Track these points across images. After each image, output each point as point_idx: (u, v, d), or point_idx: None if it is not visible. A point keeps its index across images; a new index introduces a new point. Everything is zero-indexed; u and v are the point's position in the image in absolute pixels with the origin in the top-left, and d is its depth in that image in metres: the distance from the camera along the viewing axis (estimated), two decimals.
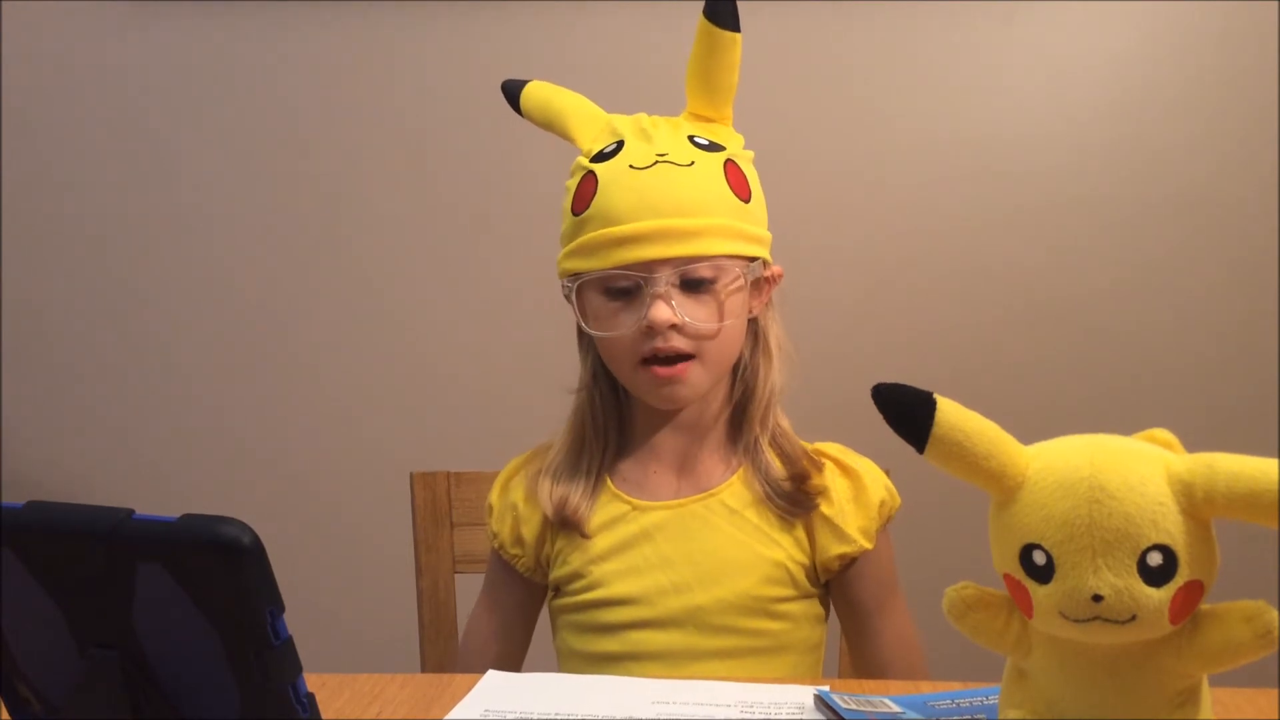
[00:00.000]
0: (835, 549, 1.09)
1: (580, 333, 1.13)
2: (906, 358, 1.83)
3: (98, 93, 1.90)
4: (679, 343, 1.04)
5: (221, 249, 1.91)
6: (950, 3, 1.79)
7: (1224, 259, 1.82)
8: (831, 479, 1.11)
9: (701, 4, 1.06)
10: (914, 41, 1.81)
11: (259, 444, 1.93)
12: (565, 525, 1.11)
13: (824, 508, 1.09)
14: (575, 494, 1.11)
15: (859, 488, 1.11)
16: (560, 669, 1.14)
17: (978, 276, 1.83)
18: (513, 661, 1.17)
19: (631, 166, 1.04)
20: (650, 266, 1.03)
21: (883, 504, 1.11)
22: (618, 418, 1.14)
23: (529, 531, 1.13)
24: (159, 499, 1.91)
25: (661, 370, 1.05)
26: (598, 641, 1.10)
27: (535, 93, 1.13)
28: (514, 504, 1.15)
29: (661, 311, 1.03)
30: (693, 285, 1.05)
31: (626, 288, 1.05)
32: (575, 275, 1.07)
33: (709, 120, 1.09)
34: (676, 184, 1.04)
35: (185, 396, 1.93)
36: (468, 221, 1.88)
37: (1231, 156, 1.80)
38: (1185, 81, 1.80)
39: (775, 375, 1.12)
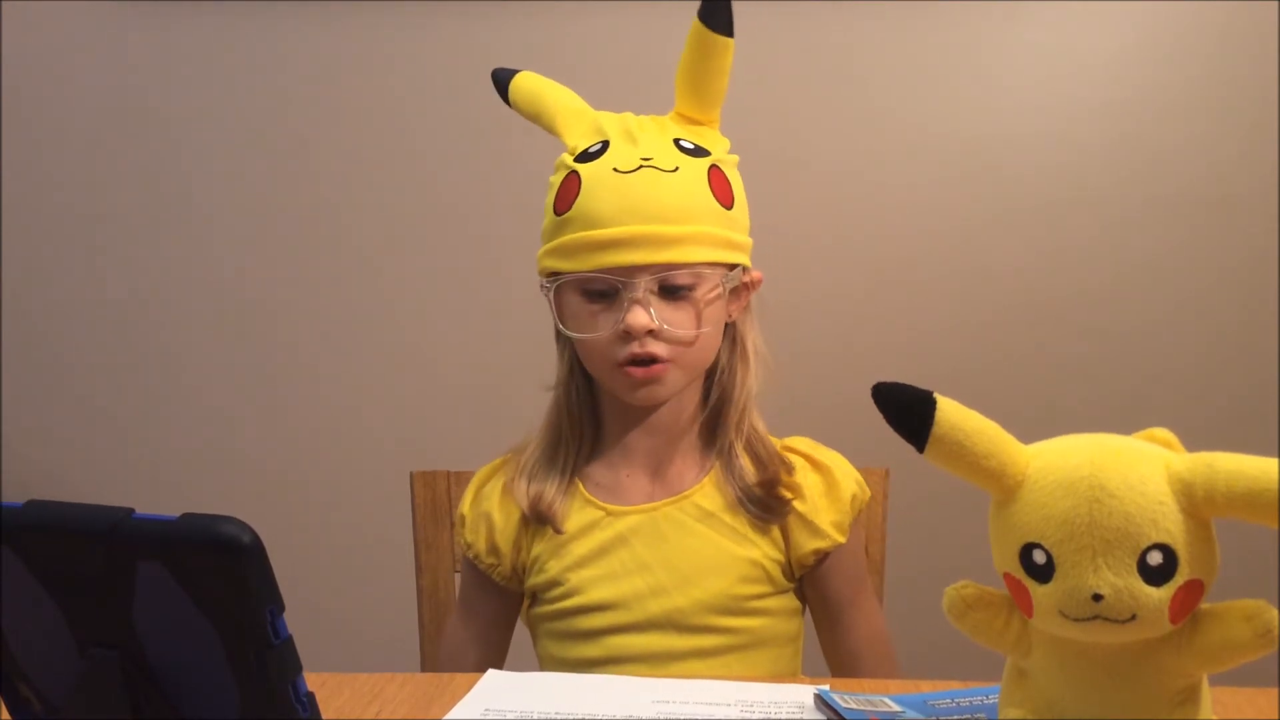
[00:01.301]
0: (810, 545, 1.10)
1: (558, 330, 1.13)
2: (906, 357, 1.83)
3: (97, 92, 1.90)
4: (655, 348, 1.04)
5: (220, 248, 1.91)
6: (950, 3, 1.79)
7: (1224, 258, 1.82)
8: (803, 475, 1.11)
9: (697, 5, 1.06)
10: (913, 41, 1.81)
11: (259, 443, 1.93)
12: (540, 520, 1.11)
13: (797, 504, 1.10)
14: (550, 490, 1.11)
15: (830, 482, 1.11)
16: None
17: (978, 276, 1.83)
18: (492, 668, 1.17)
19: (615, 170, 1.04)
20: (630, 271, 1.03)
21: (854, 497, 1.12)
22: (593, 416, 1.14)
23: (504, 540, 1.13)
24: (159, 499, 1.91)
25: (637, 371, 1.05)
26: (578, 648, 1.10)
27: (524, 84, 1.13)
28: (487, 513, 1.14)
29: (639, 317, 1.03)
30: (671, 291, 1.05)
31: (605, 291, 1.05)
32: (554, 275, 1.07)
33: (696, 123, 1.09)
34: (660, 189, 1.04)
35: (185, 396, 1.93)
36: (467, 221, 1.88)
37: (1232, 156, 1.80)
38: (1185, 81, 1.80)
39: (752, 380, 1.13)
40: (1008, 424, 0.67)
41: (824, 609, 1.15)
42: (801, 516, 1.10)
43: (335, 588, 1.89)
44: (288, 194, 1.90)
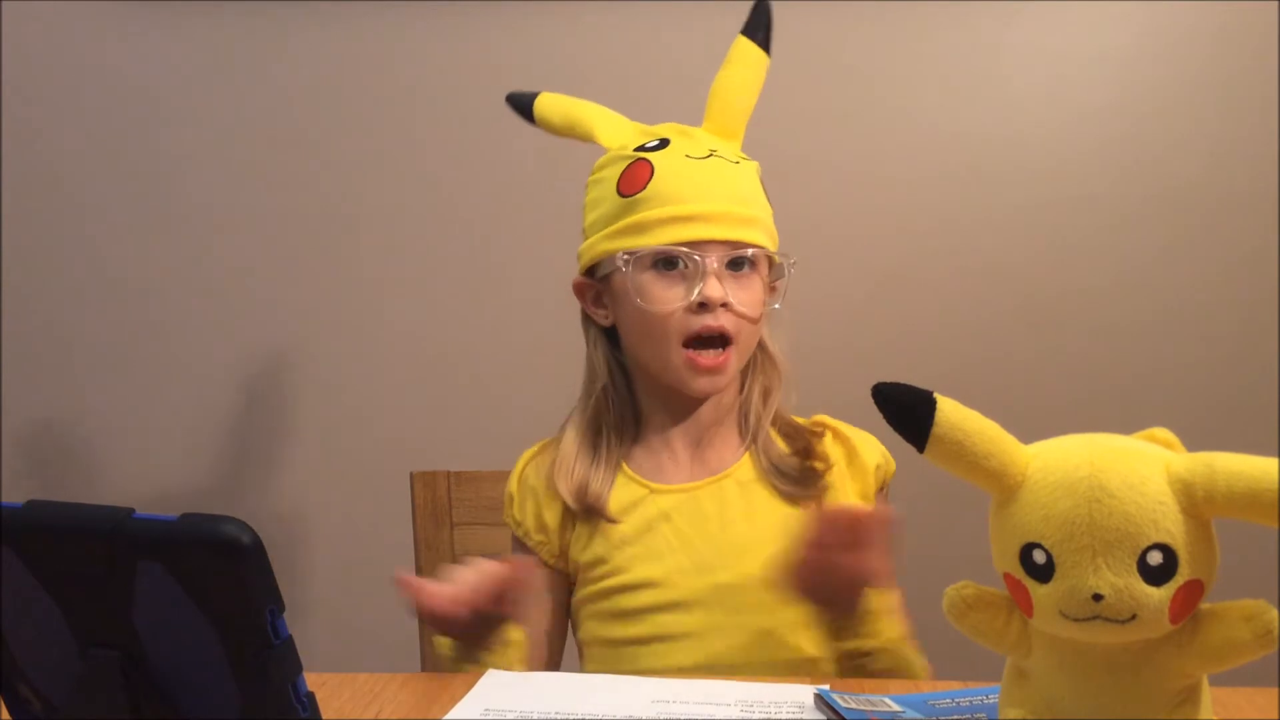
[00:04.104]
0: None
1: (587, 327, 1.17)
2: (906, 356, 1.83)
3: (98, 93, 1.90)
4: (726, 321, 1.08)
5: (221, 249, 1.91)
6: (951, 2, 1.79)
7: (1225, 258, 1.82)
8: (830, 446, 1.15)
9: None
10: (914, 41, 1.81)
11: (259, 443, 1.93)
12: (589, 512, 1.13)
13: (829, 475, 1.13)
14: (596, 480, 1.13)
15: (852, 453, 1.15)
16: (584, 661, 1.17)
17: (978, 275, 1.83)
18: (548, 653, 1.17)
19: (688, 156, 1.10)
20: (705, 246, 1.08)
21: (878, 468, 1.16)
22: (634, 413, 1.17)
23: (551, 518, 1.15)
24: (159, 499, 1.91)
25: (706, 360, 1.09)
26: (622, 627, 1.12)
27: (551, 100, 1.19)
28: (534, 489, 1.17)
29: (715, 289, 1.07)
30: (739, 271, 1.10)
31: (676, 266, 1.08)
32: (622, 254, 1.09)
33: (724, 139, 1.14)
34: (731, 175, 1.11)
35: (185, 396, 1.93)
36: (469, 221, 1.88)
37: (1233, 155, 1.80)
38: (1186, 80, 1.80)
39: (777, 374, 1.17)
40: (1008, 424, 0.67)
41: None
42: (830, 487, 1.13)
43: (335, 588, 1.89)
44: (289, 194, 1.90)
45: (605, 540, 1.13)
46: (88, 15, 1.88)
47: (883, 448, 1.16)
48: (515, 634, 1.07)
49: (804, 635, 1.10)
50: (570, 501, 1.13)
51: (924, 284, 1.84)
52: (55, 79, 1.90)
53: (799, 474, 1.13)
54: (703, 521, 1.12)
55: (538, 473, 1.17)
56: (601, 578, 1.13)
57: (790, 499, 1.13)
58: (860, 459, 1.15)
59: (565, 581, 1.18)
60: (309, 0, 1.84)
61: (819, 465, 1.13)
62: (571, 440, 1.16)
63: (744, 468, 1.14)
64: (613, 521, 1.13)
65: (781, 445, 1.15)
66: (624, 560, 1.12)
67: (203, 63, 1.88)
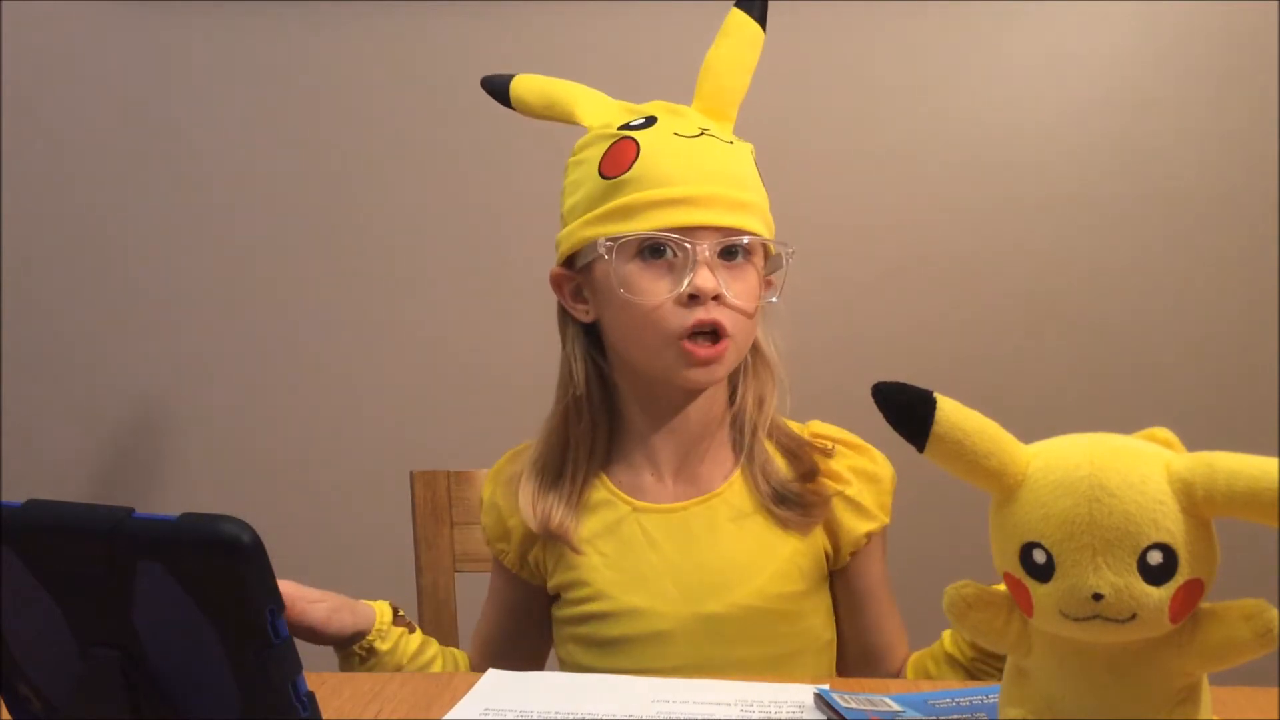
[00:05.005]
0: (863, 527, 1.07)
1: (564, 325, 1.09)
2: (905, 355, 1.83)
3: (98, 92, 1.90)
4: (720, 315, 0.99)
5: (221, 248, 1.91)
6: (951, 2, 1.80)
7: (1226, 257, 1.82)
8: (841, 459, 1.08)
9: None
10: (915, 40, 1.81)
11: (259, 443, 1.93)
12: (553, 538, 1.07)
13: (845, 490, 1.07)
14: (559, 508, 1.06)
15: (865, 463, 1.08)
16: None
17: (979, 274, 1.84)
18: (516, 659, 1.12)
19: (677, 135, 1.01)
20: (696, 233, 0.99)
21: (891, 476, 1.09)
22: (608, 421, 1.09)
23: (514, 528, 1.10)
24: (159, 498, 1.91)
25: (703, 350, 0.99)
26: (602, 657, 1.06)
27: (528, 81, 1.10)
28: (498, 502, 1.12)
29: (707, 279, 0.98)
30: (732, 260, 1.01)
31: (664, 254, 1.00)
32: (604, 240, 1.00)
33: (716, 119, 1.07)
34: (724, 156, 1.02)
35: (185, 395, 1.93)
36: (469, 220, 1.88)
37: (1234, 154, 1.80)
38: (1187, 79, 1.80)
39: (771, 378, 1.10)
40: (1008, 423, 0.67)
41: (854, 601, 1.11)
42: (850, 500, 1.06)
43: (335, 588, 1.88)
44: (288, 194, 1.90)
45: (584, 560, 1.06)
46: (88, 15, 1.88)
47: (884, 457, 1.10)
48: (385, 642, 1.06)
49: (800, 670, 1.05)
50: (535, 530, 1.06)
51: (923, 283, 1.84)
52: (55, 79, 1.90)
53: (799, 498, 1.04)
54: (690, 545, 1.04)
55: (507, 485, 1.11)
56: (579, 601, 1.06)
57: (786, 524, 1.05)
58: (876, 466, 1.08)
59: (536, 593, 1.12)
60: (310, 0, 1.84)
61: (829, 486, 1.05)
62: (534, 463, 1.08)
63: (737, 487, 1.06)
64: (578, 552, 1.06)
65: (781, 464, 1.06)
66: (604, 585, 1.05)
67: (204, 63, 1.88)
